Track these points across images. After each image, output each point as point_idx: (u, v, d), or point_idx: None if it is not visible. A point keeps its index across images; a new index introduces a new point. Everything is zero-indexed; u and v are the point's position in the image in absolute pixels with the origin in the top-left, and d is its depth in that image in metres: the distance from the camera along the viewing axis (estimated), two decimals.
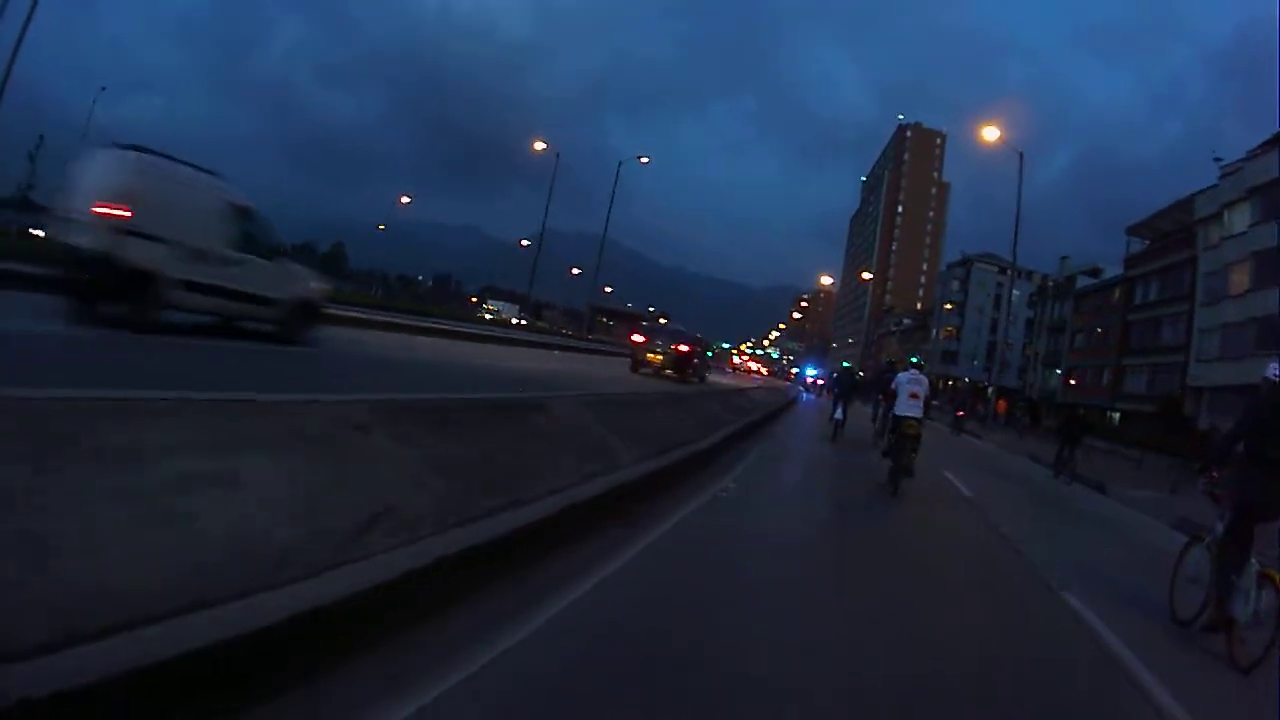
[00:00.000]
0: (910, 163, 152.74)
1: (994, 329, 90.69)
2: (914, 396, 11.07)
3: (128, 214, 9.19)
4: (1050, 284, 73.67)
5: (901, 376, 11.51)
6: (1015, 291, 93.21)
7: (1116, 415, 54.56)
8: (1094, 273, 65.21)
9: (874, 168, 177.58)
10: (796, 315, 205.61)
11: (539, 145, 52.81)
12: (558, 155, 50.87)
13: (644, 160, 54.87)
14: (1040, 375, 68.41)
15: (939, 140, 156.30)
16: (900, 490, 10.44)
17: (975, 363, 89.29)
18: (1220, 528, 5.63)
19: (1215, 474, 5.98)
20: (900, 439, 10.74)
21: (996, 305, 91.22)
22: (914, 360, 12.56)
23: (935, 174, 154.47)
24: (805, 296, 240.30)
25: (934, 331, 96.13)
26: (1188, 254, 47.53)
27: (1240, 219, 42.26)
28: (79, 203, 9.51)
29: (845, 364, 23.77)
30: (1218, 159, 45.77)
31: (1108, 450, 38.23)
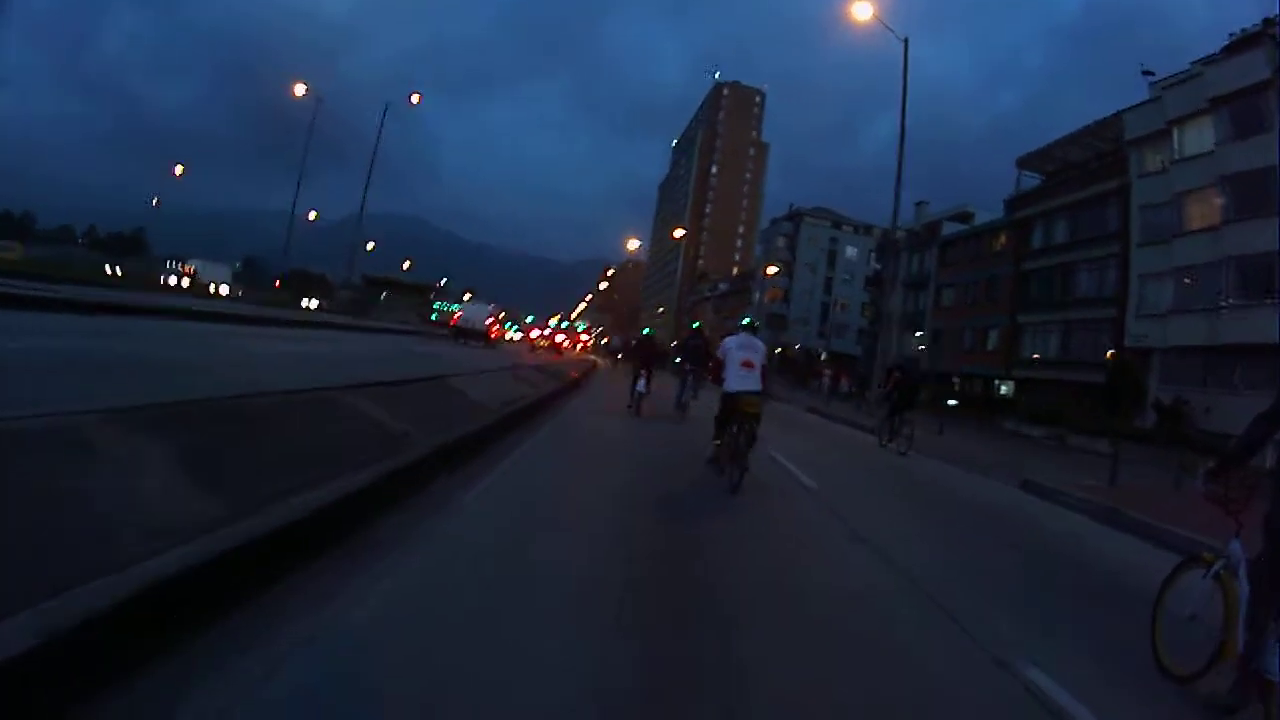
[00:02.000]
0: (726, 122, 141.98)
1: (828, 289, 79.68)
2: (747, 365, 8.48)
3: None
4: (901, 234, 62.23)
5: (730, 341, 8.85)
6: (852, 249, 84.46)
7: (1006, 386, 43.51)
8: (963, 217, 54.30)
9: (686, 130, 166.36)
10: (604, 286, 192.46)
11: (299, 90, 46.09)
12: (319, 100, 45.97)
13: (415, 99, 49.56)
14: (895, 339, 56.54)
15: (758, 98, 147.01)
16: (739, 486, 7.82)
17: (807, 327, 77.78)
18: (1237, 549, 3.98)
19: (1226, 474, 4.10)
20: (732, 421, 8.29)
21: (831, 263, 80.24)
22: (745, 322, 9.56)
23: (754, 133, 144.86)
24: (613, 267, 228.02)
25: (757, 294, 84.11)
26: (1114, 183, 37.17)
27: (1199, 137, 32.21)
28: None
29: (646, 330, 21.09)
30: (1147, 72, 36.41)
31: (1009, 432, 31.23)
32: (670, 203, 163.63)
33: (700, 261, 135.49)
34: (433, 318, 78.48)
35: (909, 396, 16.89)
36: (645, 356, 16.92)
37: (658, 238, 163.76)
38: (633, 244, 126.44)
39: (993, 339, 45.41)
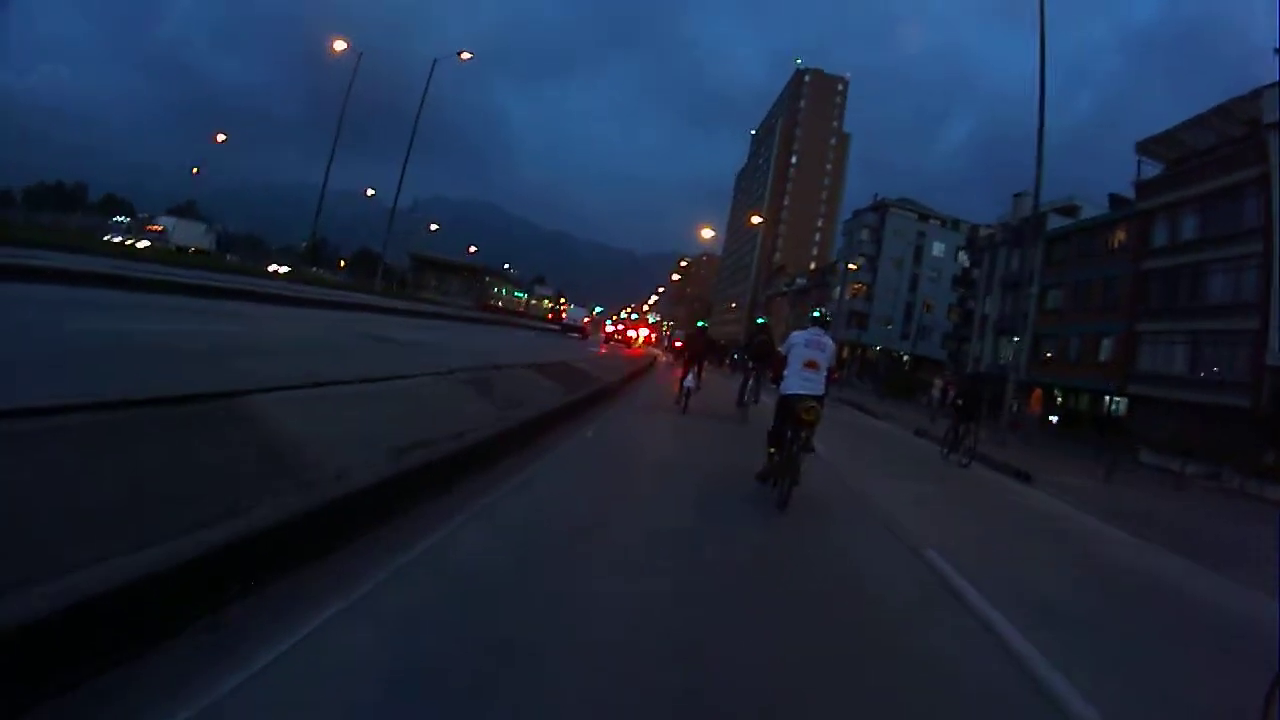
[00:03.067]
0: (807, 110, 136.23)
1: (914, 287, 74.97)
2: (811, 366, 7.33)
3: None
4: (997, 229, 57.44)
5: (796, 337, 7.60)
6: (940, 245, 79.47)
7: (1119, 404, 38.87)
8: (1068, 211, 49.31)
9: (765, 119, 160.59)
10: (676, 278, 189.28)
11: (339, 45, 41.65)
12: (359, 55, 41.50)
13: (465, 56, 42.89)
14: (991, 345, 51.95)
15: (840, 86, 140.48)
16: (787, 501, 6.72)
17: (889, 327, 73.27)
18: None
19: None
20: (787, 425, 7.12)
21: (917, 259, 75.47)
22: (816, 315, 8.03)
23: (835, 123, 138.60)
24: (686, 259, 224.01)
25: (838, 289, 79.65)
26: (1253, 172, 32.06)
27: None
28: None
29: (701, 323, 18.90)
30: None
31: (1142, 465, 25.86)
32: (747, 194, 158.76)
33: (777, 255, 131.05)
34: (497, 303, 77.23)
35: (972, 406, 16.14)
36: (695, 350, 16.17)
37: (733, 230, 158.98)
38: (707, 233, 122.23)
39: (1105, 348, 40.49)
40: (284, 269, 58.29)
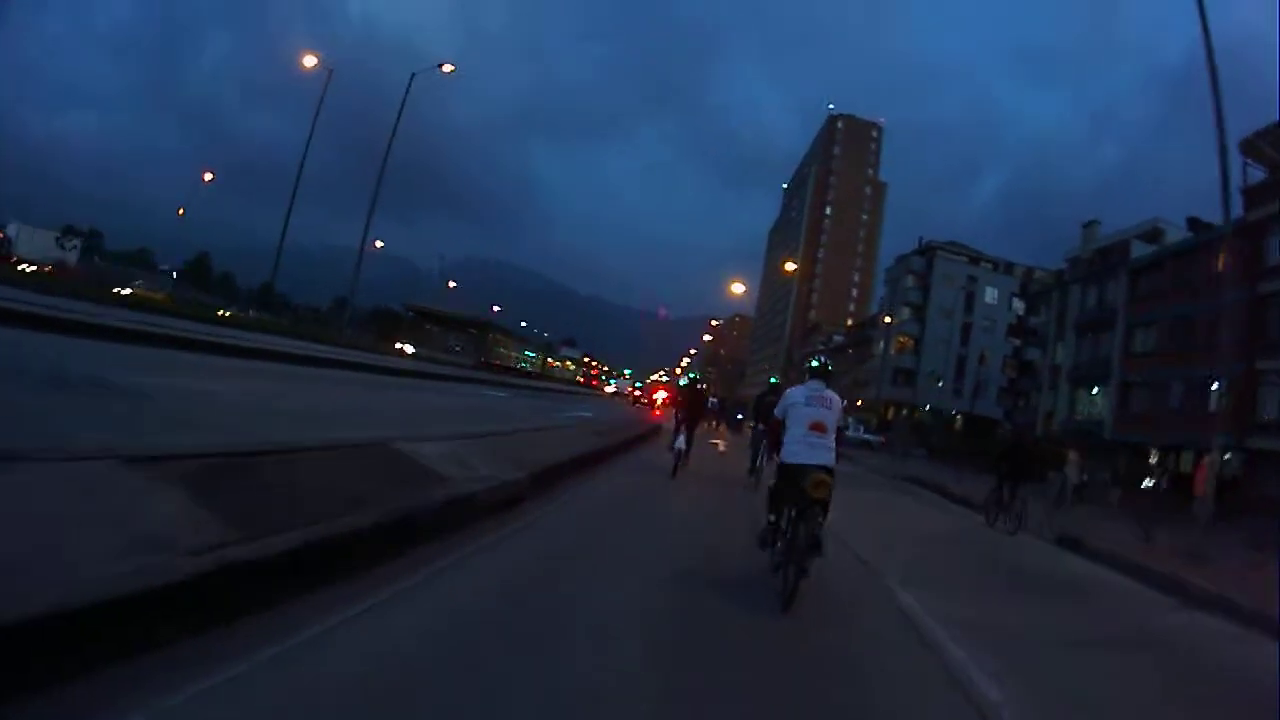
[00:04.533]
0: (841, 157, 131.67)
1: (965, 338, 67.62)
2: (818, 429, 6.04)
3: None
4: (1065, 267, 50.36)
5: (795, 393, 6.38)
6: (993, 290, 72.22)
7: (1232, 460, 31.28)
8: (1151, 236, 42.18)
9: (798, 169, 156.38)
10: (707, 338, 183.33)
11: (309, 61, 39.01)
12: (330, 72, 39.09)
13: (448, 69, 37.98)
14: (1066, 398, 44.40)
15: (874, 133, 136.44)
16: (792, 598, 5.39)
17: (940, 384, 65.73)
18: None
19: None
20: (789, 503, 5.99)
21: (969, 307, 68.26)
22: (815, 364, 6.62)
23: (870, 170, 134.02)
24: (718, 320, 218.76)
25: (881, 344, 72.29)
26: None
27: None
28: None
29: (692, 374, 20.34)
30: None
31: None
32: (780, 248, 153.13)
33: (812, 312, 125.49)
34: (510, 362, 72.96)
35: (1021, 467, 14.65)
36: (686, 408, 14.61)
37: (766, 287, 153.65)
38: (738, 288, 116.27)
39: (1218, 394, 33.02)
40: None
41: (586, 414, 25.93)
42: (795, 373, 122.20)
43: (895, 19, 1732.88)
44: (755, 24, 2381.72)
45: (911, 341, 71.42)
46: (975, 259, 72.65)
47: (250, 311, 56.74)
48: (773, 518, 6.31)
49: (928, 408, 65.82)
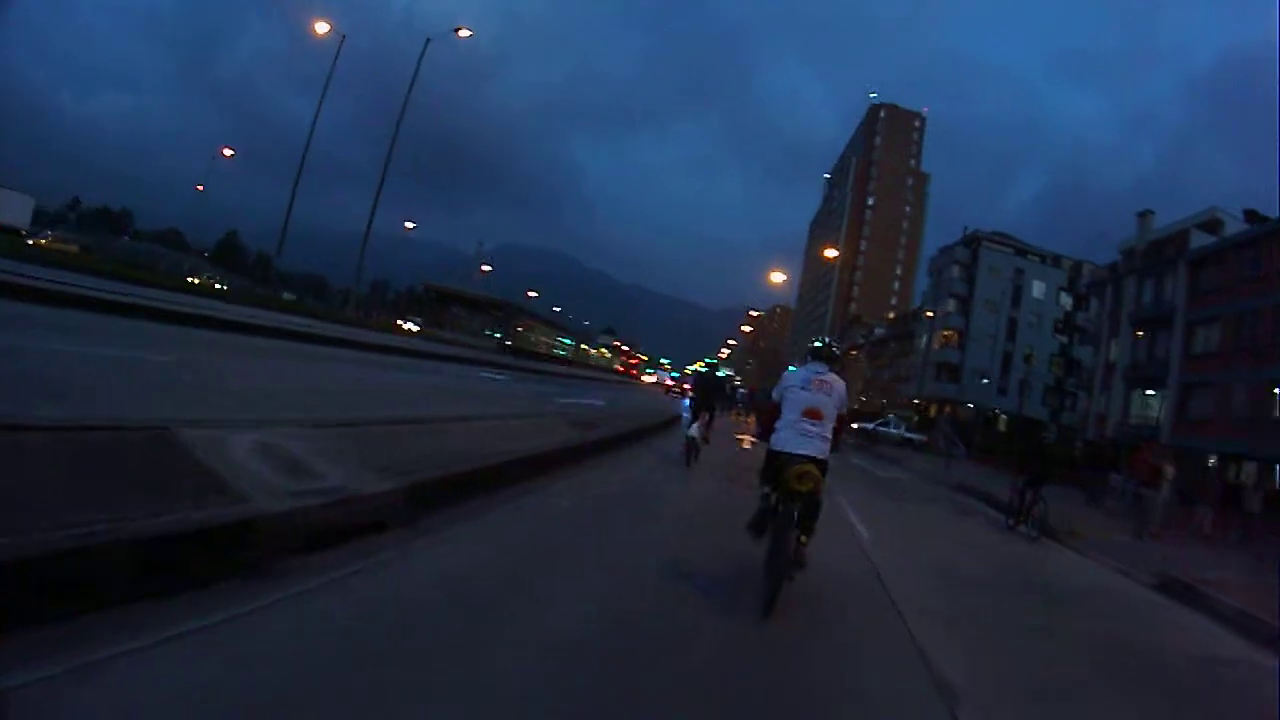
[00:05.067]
0: (883, 147, 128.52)
1: (1011, 334, 64.97)
2: (813, 415, 5.58)
3: None
4: (1118, 259, 47.70)
5: (792, 376, 5.89)
6: (1040, 284, 69.28)
7: None
8: (1211, 226, 39.60)
9: (840, 159, 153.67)
10: (747, 329, 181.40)
11: (321, 28, 38.39)
12: (343, 37, 38.35)
13: (464, 34, 37.28)
14: (1120, 400, 41.94)
15: (917, 122, 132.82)
16: (772, 604, 4.93)
17: (985, 381, 63.16)
18: None
19: None
20: (780, 496, 5.46)
21: (1015, 301, 65.59)
22: (819, 345, 6.09)
23: (913, 161, 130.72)
24: (757, 311, 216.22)
25: (924, 338, 69.80)
26: None
27: None
28: None
29: (708, 360, 18.10)
30: None
31: None
32: (822, 239, 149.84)
33: (853, 305, 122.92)
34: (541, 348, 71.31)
35: (1042, 468, 13.79)
36: (702, 395, 14.35)
37: (808, 278, 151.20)
38: (777, 277, 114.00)
39: None
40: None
41: (596, 402, 23.29)
42: (836, 366, 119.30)
43: (937, 15, 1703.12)
44: (797, 16, 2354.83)
45: (956, 335, 68.50)
46: (1022, 250, 69.61)
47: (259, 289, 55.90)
48: (766, 490, 5.74)
49: (970, 405, 63.35)
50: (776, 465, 5.49)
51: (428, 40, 35.80)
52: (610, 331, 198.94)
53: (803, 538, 5.45)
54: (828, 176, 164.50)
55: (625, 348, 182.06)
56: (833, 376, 5.76)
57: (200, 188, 66.02)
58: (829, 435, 5.50)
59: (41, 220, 77.79)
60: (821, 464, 5.38)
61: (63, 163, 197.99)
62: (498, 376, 26.18)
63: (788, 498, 5.27)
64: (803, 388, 5.65)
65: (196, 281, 47.66)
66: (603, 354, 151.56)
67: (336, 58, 37.63)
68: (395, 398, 11.50)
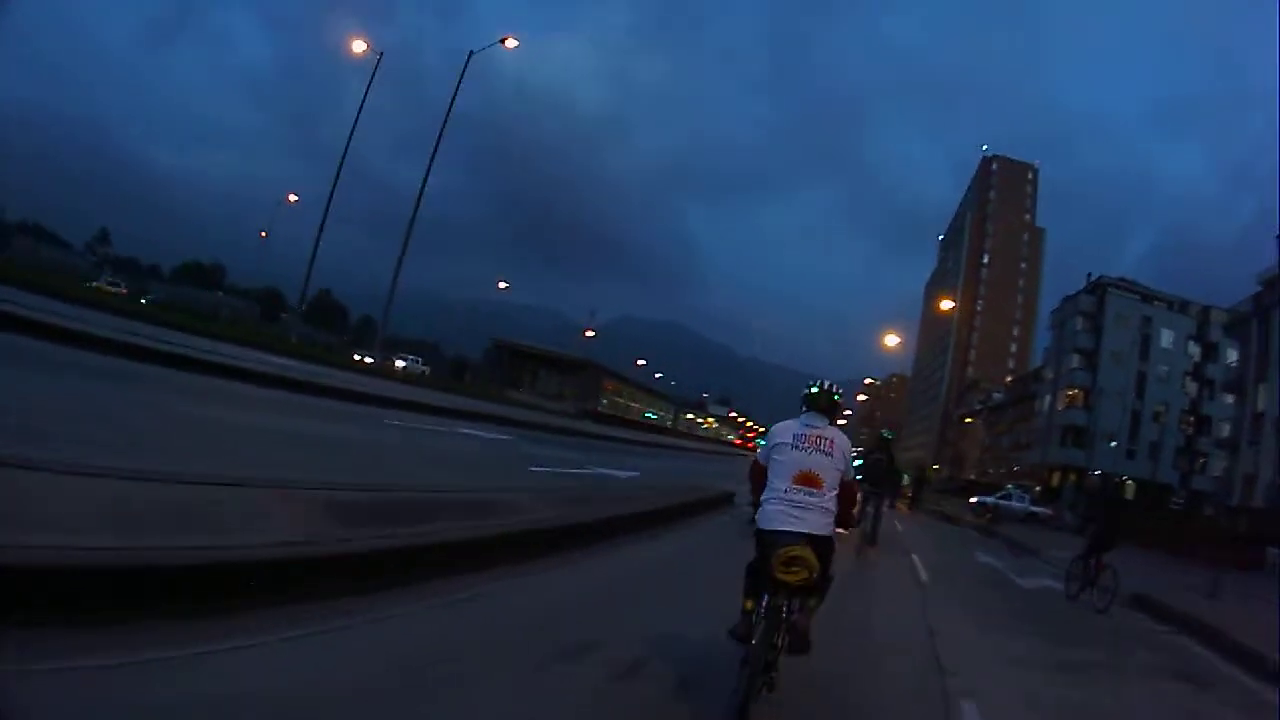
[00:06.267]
0: (997, 201, 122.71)
1: (1140, 390, 58.11)
2: (807, 482, 4.32)
3: None
4: (1258, 289, 41.25)
5: (782, 430, 4.59)
6: (1168, 333, 61.90)
7: None
8: None
9: (953, 219, 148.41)
10: (862, 398, 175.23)
11: (359, 47, 37.80)
12: (380, 54, 37.75)
13: (511, 44, 34.98)
14: (1274, 456, 35.32)
15: (1030, 175, 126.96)
16: (747, 708, 3.90)
17: (1113, 444, 56.16)
18: None
19: None
20: (762, 587, 4.29)
21: (1144, 353, 58.75)
22: (814, 389, 4.77)
23: (1027, 216, 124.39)
24: (873, 379, 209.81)
25: (1046, 399, 63.32)
26: None
27: None
28: None
29: (885, 433, 17.43)
30: None
31: None
32: (937, 301, 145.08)
33: (970, 368, 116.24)
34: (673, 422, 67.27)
35: (1110, 528, 11.76)
36: (870, 478, 14.32)
37: (923, 342, 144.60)
38: (891, 339, 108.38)
39: None
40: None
41: (630, 474, 17.87)
42: (953, 433, 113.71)
43: (1039, 71, 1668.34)
44: (904, 79, 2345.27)
45: (1081, 394, 61.71)
46: (1148, 296, 62.35)
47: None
48: (749, 604, 4.37)
49: (1097, 472, 56.44)
50: (763, 544, 4.23)
51: (470, 54, 33.91)
52: (724, 401, 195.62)
53: (810, 601, 4.33)
54: (941, 238, 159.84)
55: (740, 418, 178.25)
56: (833, 431, 4.54)
57: (264, 235, 67.05)
58: (831, 506, 4.26)
59: (130, 271, 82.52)
60: (821, 544, 4.17)
61: (160, 218, 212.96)
62: (500, 436, 21.52)
63: (773, 590, 4.10)
64: (794, 446, 4.40)
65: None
66: (710, 423, 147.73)
67: (373, 77, 37.19)
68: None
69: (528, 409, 38.90)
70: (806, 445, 4.38)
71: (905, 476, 38.89)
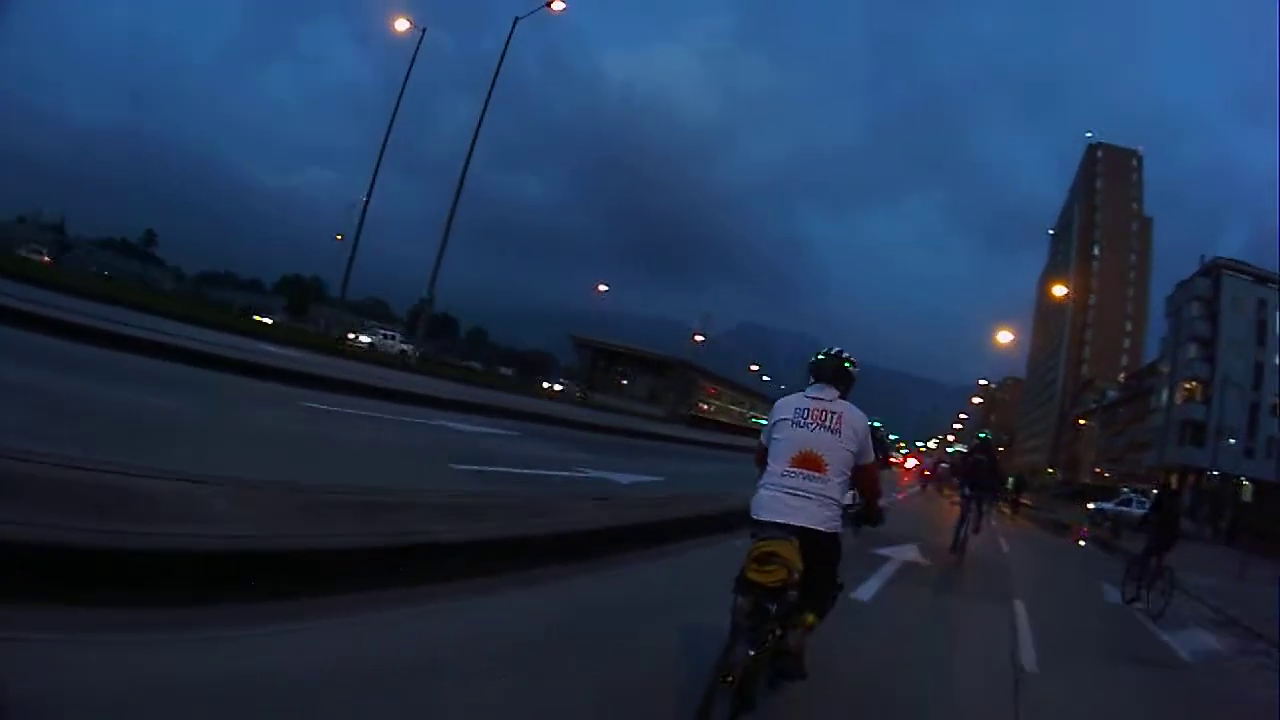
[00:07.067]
0: (1104, 191, 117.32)
1: (1258, 380, 53.59)
2: (808, 464, 3.57)
3: None
4: None
5: (784, 405, 3.83)
6: None
7: None
8: None
9: (1062, 212, 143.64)
10: (977, 400, 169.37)
11: (401, 25, 36.71)
12: (423, 31, 36.54)
13: (558, 7, 33.46)
14: None
15: (1134, 162, 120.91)
16: None
17: (1232, 442, 51.63)
18: None
19: None
20: (743, 588, 3.33)
21: (1260, 339, 54.21)
22: (820, 357, 3.96)
23: (1134, 205, 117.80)
24: (987, 381, 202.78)
25: (1163, 394, 58.94)
26: None
27: None
28: None
29: (983, 436, 16.13)
30: None
31: None
32: (1048, 296, 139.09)
33: (1084, 367, 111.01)
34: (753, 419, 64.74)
35: (1169, 530, 11.43)
36: (971, 481, 13.74)
37: (1037, 343, 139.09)
38: (1004, 336, 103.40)
39: None
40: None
41: (646, 478, 14.30)
42: (1068, 435, 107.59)
43: (1132, 61, 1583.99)
44: (1002, 76, 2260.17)
45: (1199, 387, 57.09)
46: (1261, 278, 56.95)
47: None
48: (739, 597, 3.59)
49: (1215, 474, 51.75)
50: (754, 536, 3.55)
51: (515, 19, 33.15)
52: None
53: (809, 617, 3.63)
54: (1051, 232, 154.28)
55: None
56: (842, 405, 3.77)
57: (339, 237, 67.92)
58: (835, 495, 3.54)
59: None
60: (818, 540, 3.48)
61: (266, 235, 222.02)
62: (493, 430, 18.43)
63: (742, 591, 3.31)
64: (796, 422, 3.68)
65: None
66: None
67: (416, 52, 36.47)
68: None
69: (606, 411, 37.27)
70: (809, 421, 3.70)
71: (1010, 480, 36.32)
